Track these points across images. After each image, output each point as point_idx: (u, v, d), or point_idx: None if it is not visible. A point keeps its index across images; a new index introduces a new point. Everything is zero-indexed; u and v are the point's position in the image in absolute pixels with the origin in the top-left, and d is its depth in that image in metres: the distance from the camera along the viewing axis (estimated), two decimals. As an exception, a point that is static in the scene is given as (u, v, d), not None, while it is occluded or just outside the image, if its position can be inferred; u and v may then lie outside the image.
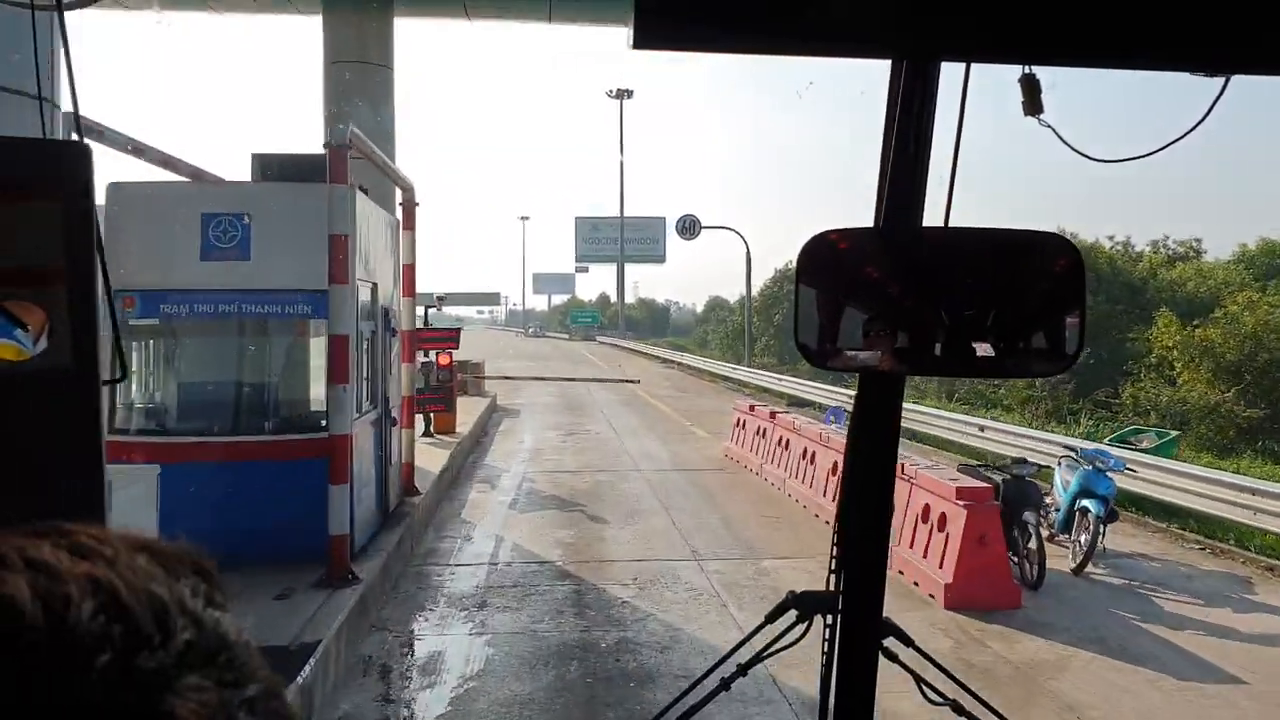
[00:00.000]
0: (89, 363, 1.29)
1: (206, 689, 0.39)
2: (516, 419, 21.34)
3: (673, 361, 46.05)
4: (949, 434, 16.13)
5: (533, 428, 19.67)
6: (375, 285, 8.26)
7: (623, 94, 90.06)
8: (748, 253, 35.73)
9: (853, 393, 1.49)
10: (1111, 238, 31.42)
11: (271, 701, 0.42)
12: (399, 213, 9.89)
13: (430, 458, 12.73)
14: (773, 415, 13.60)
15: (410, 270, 9.97)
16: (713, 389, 31.75)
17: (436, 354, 14.89)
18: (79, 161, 1.30)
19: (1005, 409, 24.87)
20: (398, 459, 9.46)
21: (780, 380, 25.67)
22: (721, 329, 54.29)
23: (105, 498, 1.40)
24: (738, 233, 36.82)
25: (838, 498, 1.47)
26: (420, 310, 15.43)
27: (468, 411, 18.77)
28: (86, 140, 1.52)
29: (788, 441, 12.66)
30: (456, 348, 15.13)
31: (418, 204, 10.06)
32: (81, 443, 1.31)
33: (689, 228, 36.11)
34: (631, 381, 19.49)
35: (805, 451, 11.86)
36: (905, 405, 1.59)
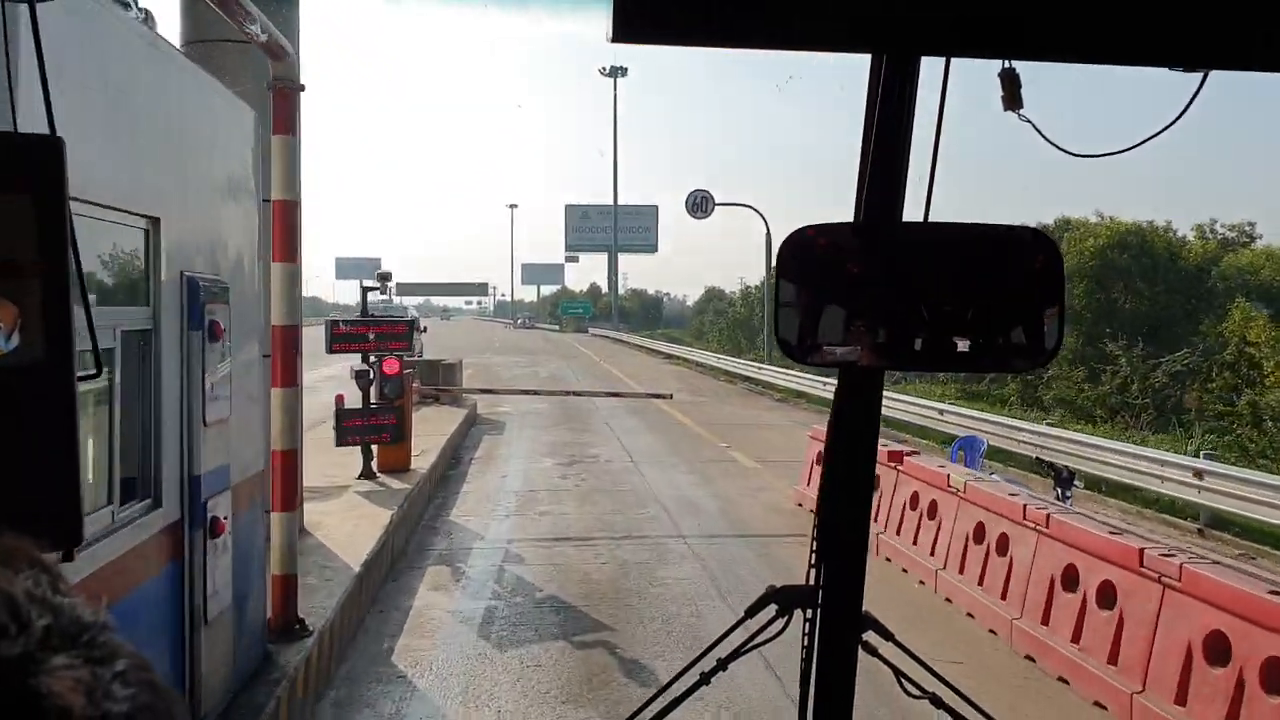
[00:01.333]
0: (63, 359, 1.25)
1: (76, 666, 0.39)
2: (500, 436, 16.64)
3: (677, 357, 41.40)
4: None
5: (521, 451, 14.96)
6: (157, 223, 3.60)
7: (616, 72, 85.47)
8: (768, 231, 31.12)
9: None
10: (1150, 222, 27.18)
11: (143, 673, 0.42)
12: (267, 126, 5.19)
13: (357, 525, 8.03)
14: (895, 458, 8.93)
15: (286, 213, 5.25)
16: (730, 390, 27.12)
17: (379, 358, 10.22)
18: (51, 155, 1.25)
19: (1089, 419, 20.38)
20: (257, 579, 4.79)
21: (826, 384, 21.00)
22: (721, 321, 50.14)
23: (79, 495, 1.22)
24: (755, 209, 32.23)
25: (819, 491, 1.45)
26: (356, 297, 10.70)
27: (435, 428, 14.09)
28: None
29: (931, 505, 8.04)
30: (408, 348, 10.44)
31: (303, 88, 5.34)
32: (55, 439, 1.25)
33: (700, 205, 31.48)
34: (663, 396, 14.76)
35: (980, 531, 7.22)
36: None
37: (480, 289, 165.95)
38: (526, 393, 16.72)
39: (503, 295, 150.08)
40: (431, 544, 8.87)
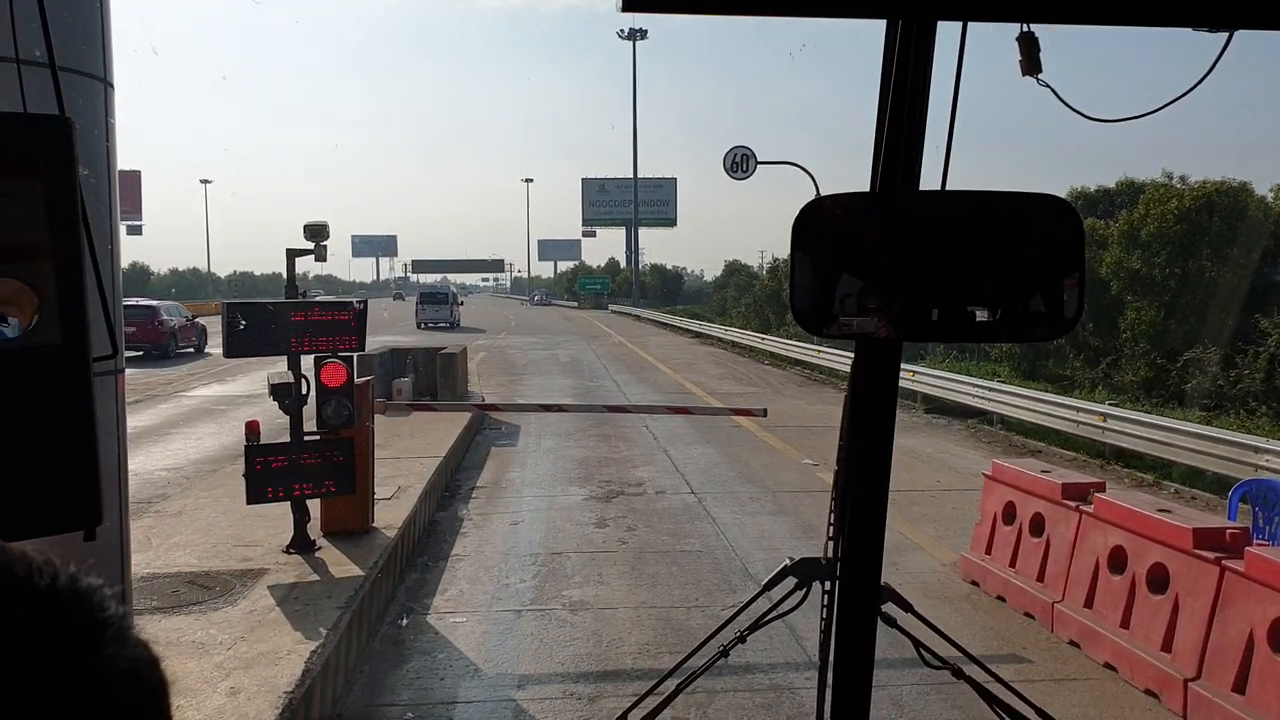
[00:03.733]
0: (79, 340, 1.22)
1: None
2: (512, 449, 12.86)
3: (709, 336, 37.46)
4: None
5: (541, 474, 11.16)
6: None
7: (635, 34, 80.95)
8: (817, 192, 26.96)
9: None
10: (1224, 180, 22.83)
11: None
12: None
13: (236, 690, 4.27)
14: (1073, 493, 5.09)
15: None
16: (782, 378, 23.23)
17: (317, 363, 6.42)
18: (61, 134, 1.23)
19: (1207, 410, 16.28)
20: None
21: (914, 374, 17.07)
22: (747, 296, 46.55)
23: (98, 476, 1.20)
24: (803, 168, 28.17)
25: (837, 465, 1.43)
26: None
27: (424, 445, 10.31)
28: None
29: (1155, 570, 4.25)
30: (359, 347, 6.60)
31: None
32: (73, 422, 1.22)
33: (740, 163, 27.41)
34: (753, 413, 10.93)
35: None
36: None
37: (496, 266, 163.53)
38: (549, 409, 12.83)
39: (519, 272, 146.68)
40: (387, 693, 5.10)
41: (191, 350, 27.71)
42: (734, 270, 62.47)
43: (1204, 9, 0.98)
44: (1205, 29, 1.04)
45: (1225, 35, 1.11)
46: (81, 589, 0.54)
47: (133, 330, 22.78)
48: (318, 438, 6.53)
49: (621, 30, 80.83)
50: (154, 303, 28.38)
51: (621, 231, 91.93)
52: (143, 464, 10.80)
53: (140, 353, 24.78)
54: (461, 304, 53.46)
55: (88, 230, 1.29)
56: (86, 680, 0.51)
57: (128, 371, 4.08)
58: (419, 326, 45.05)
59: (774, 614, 1.55)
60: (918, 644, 1.47)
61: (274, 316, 6.32)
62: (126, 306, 28.49)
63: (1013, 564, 6.63)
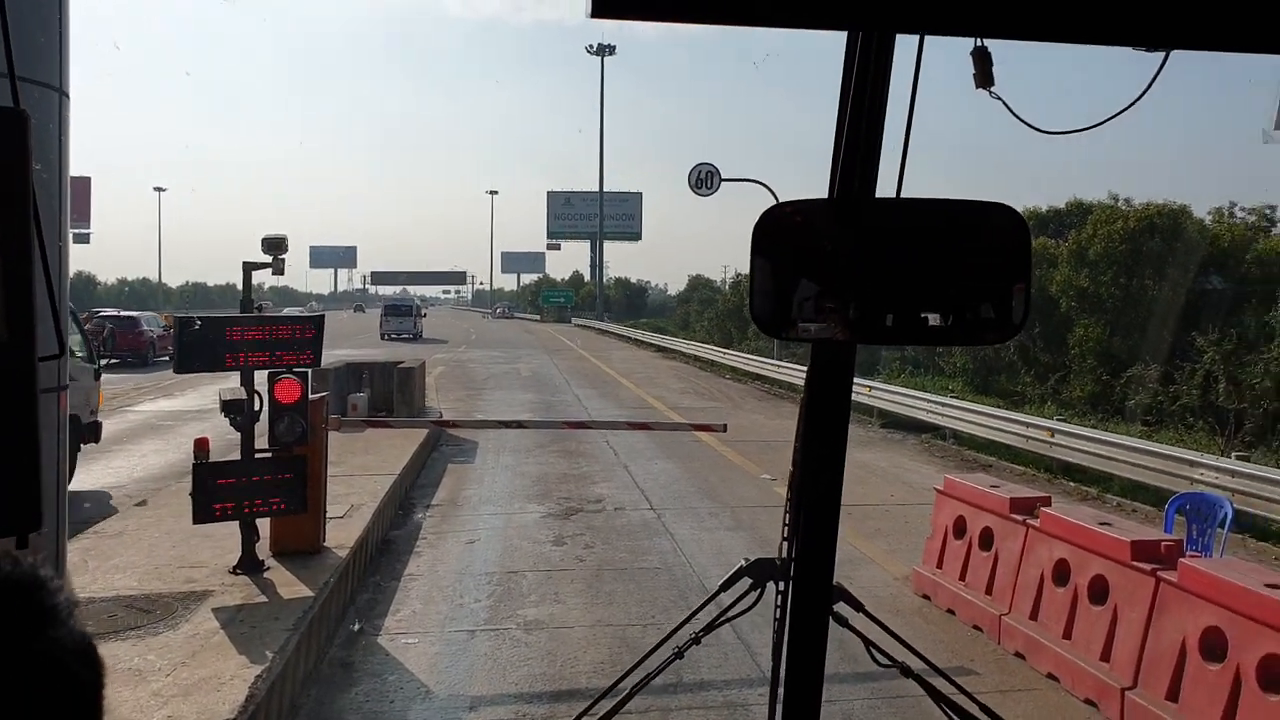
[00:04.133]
0: (25, 336, 1.14)
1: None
2: (469, 465, 12.80)
3: (672, 351, 37.60)
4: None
5: (498, 491, 11.12)
6: None
7: (604, 50, 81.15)
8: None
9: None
10: (1165, 203, 23.62)
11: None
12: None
13: (175, 715, 4.21)
14: (1020, 507, 5.21)
15: None
16: (743, 393, 23.39)
17: (270, 378, 6.37)
18: (15, 128, 1.16)
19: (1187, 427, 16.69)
20: None
21: (870, 390, 17.29)
22: (710, 311, 46.89)
23: (39, 480, 1.12)
24: (764, 184, 28.39)
25: (792, 467, 1.45)
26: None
27: (379, 462, 10.22)
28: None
29: (1095, 583, 4.34)
30: (315, 362, 6.56)
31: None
32: (15, 420, 1.14)
33: (705, 180, 27.55)
34: (713, 429, 10.95)
35: (1213, 639, 3.64)
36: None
37: (458, 278, 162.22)
38: (509, 425, 12.81)
39: (481, 284, 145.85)
40: (335, 718, 5.04)
41: (167, 358, 28.00)
42: (697, 285, 62.83)
43: (1141, 30, 1.03)
44: (1144, 49, 1.10)
45: (1162, 55, 1.16)
46: (33, 577, 0.61)
47: (115, 339, 25.70)
48: (269, 455, 6.47)
49: (590, 45, 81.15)
50: (136, 314, 31.82)
51: (586, 245, 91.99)
52: (82, 482, 10.58)
53: (118, 360, 26.27)
54: (424, 315, 55.42)
55: (39, 226, 1.26)
56: (32, 662, 0.59)
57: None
58: (383, 338, 45.88)
59: (729, 614, 1.55)
60: (869, 644, 1.50)
61: (228, 330, 6.27)
62: (111, 317, 28.99)
63: (963, 577, 6.75)
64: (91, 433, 11.15)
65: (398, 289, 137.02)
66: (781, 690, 1.45)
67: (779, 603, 1.49)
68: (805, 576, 1.40)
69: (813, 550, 1.40)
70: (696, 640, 1.56)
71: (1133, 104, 1.34)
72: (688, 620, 1.56)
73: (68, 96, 3.93)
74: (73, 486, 4.68)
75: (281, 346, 6.49)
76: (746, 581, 1.54)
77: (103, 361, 14.18)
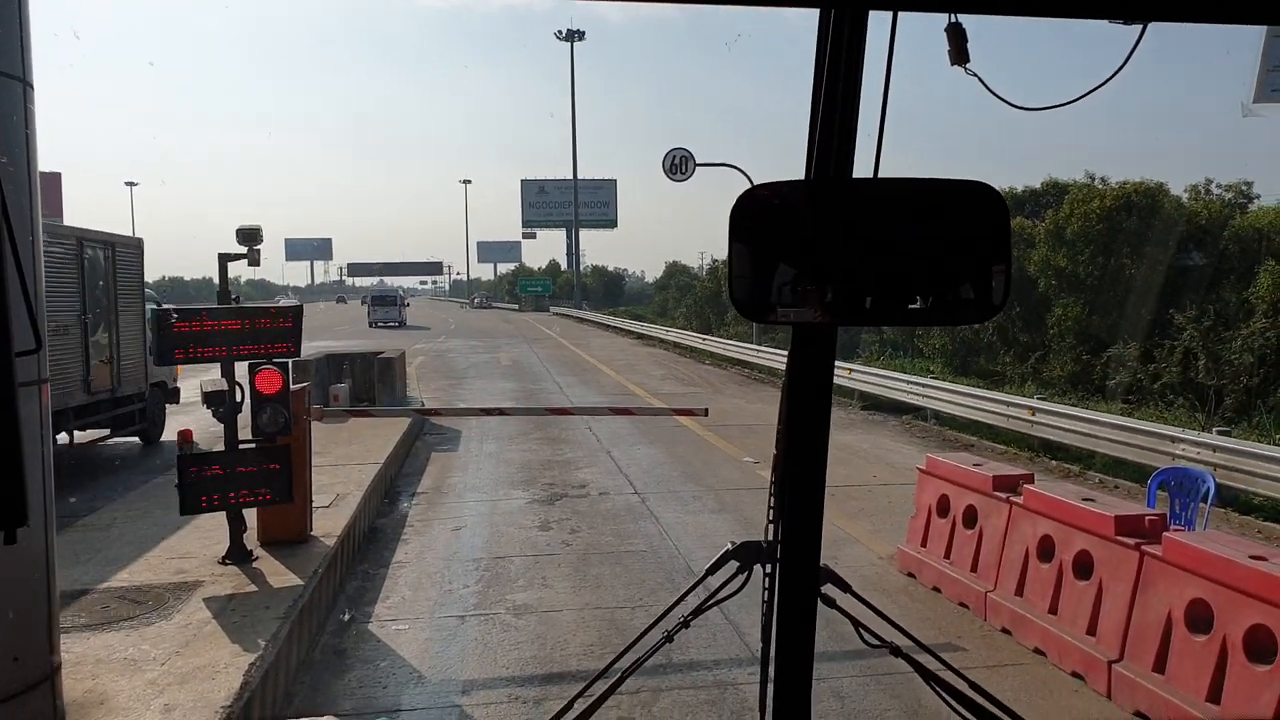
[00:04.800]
0: (0, 331, 1.14)
1: None
2: (453, 453, 12.76)
3: (651, 338, 37.60)
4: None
5: (483, 479, 11.10)
6: None
7: (573, 35, 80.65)
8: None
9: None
10: (1143, 181, 23.90)
11: None
12: None
13: (172, 705, 4.18)
14: (1003, 484, 5.26)
15: None
16: (723, 378, 23.44)
17: (252, 369, 6.31)
18: None
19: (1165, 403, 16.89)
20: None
21: (851, 372, 17.38)
22: (688, 297, 46.93)
23: (22, 475, 1.14)
24: (739, 169, 28.40)
25: (776, 449, 1.44)
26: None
27: (363, 452, 10.15)
28: None
29: (1079, 558, 4.39)
30: (295, 353, 6.51)
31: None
32: None
33: (679, 165, 27.56)
34: (694, 413, 10.90)
35: (1197, 611, 3.71)
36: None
37: (435, 268, 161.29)
38: (490, 413, 12.78)
39: (458, 274, 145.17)
40: (329, 704, 5.02)
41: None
42: (675, 271, 62.76)
43: (1117, 3, 1.02)
44: (1120, 21, 1.08)
45: (1139, 29, 1.15)
46: None
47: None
48: (253, 446, 6.42)
49: (559, 31, 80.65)
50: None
51: (562, 233, 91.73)
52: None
53: None
54: (408, 305, 60.48)
55: (8, 220, 1.26)
56: None
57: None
58: (371, 325, 49.76)
59: (717, 598, 1.55)
60: (857, 624, 1.49)
61: (207, 322, 6.19)
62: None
63: (947, 555, 6.81)
64: (173, 396, 13.98)
65: (375, 280, 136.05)
66: (772, 670, 1.45)
67: (766, 585, 1.50)
68: (792, 559, 1.40)
69: (798, 532, 1.40)
70: (685, 624, 1.56)
71: (1110, 78, 1.32)
72: (676, 604, 1.56)
73: (31, 86, 3.86)
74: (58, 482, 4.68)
75: (261, 337, 6.43)
76: (733, 565, 1.54)
77: None
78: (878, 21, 1.18)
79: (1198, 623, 4.51)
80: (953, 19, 1.32)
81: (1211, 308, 18.21)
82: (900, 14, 1.21)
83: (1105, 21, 1.06)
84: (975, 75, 1.39)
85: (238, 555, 6.43)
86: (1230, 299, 19.07)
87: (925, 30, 1.32)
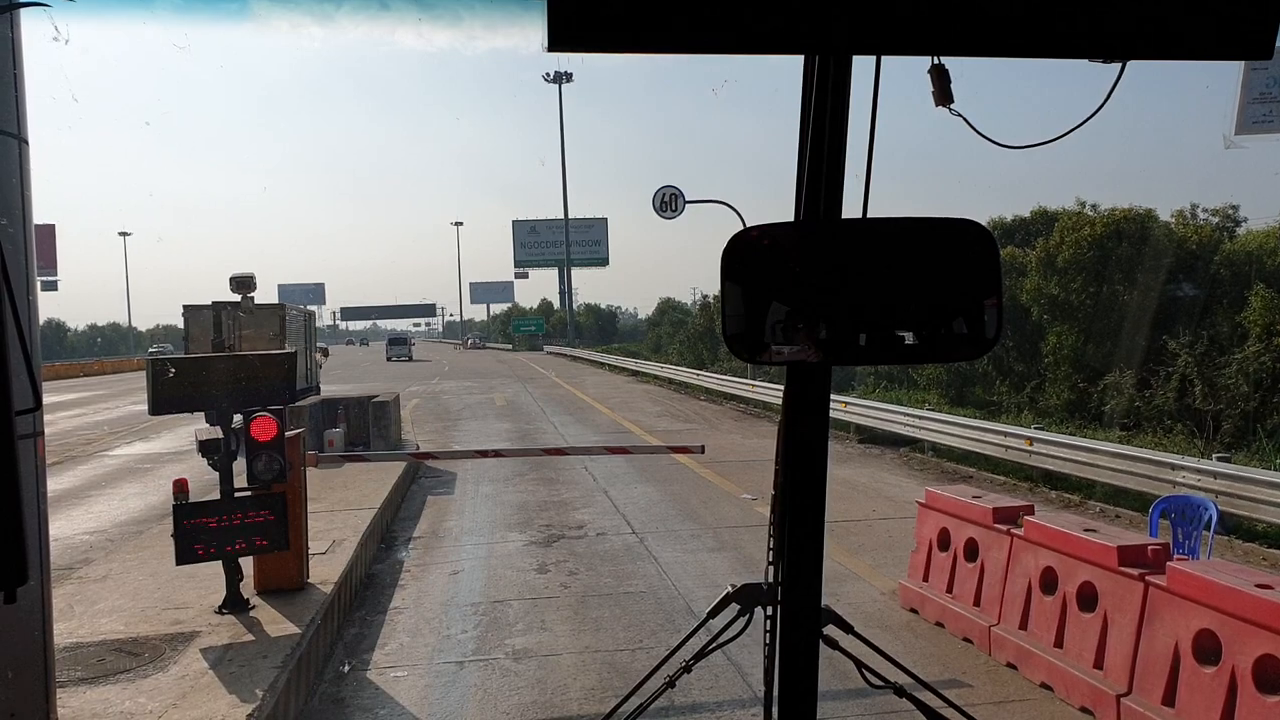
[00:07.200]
0: (0, 395, 1.14)
1: None
2: (449, 497, 12.68)
3: (646, 375, 37.60)
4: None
5: (480, 522, 11.01)
6: None
7: (560, 77, 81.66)
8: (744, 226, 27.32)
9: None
10: (1131, 207, 24.14)
11: None
12: None
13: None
14: (1003, 516, 5.24)
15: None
16: (719, 413, 23.40)
17: (246, 417, 6.28)
18: None
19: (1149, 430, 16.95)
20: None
21: (846, 405, 17.38)
22: (681, 333, 47.16)
23: (23, 533, 1.13)
24: (730, 205, 28.55)
25: (774, 490, 1.46)
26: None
27: (358, 497, 10.07)
28: None
29: (1083, 589, 4.36)
30: (290, 399, 6.49)
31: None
32: None
33: (669, 203, 27.69)
34: (691, 450, 10.88)
35: (1205, 641, 3.71)
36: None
37: (428, 310, 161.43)
38: (486, 454, 12.71)
39: (452, 316, 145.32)
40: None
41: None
42: (667, 308, 63.04)
43: (1096, 42, 1.05)
44: (1100, 61, 1.10)
45: (1119, 67, 1.18)
46: None
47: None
48: (249, 494, 6.36)
49: (547, 74, 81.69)
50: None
51: (554, 272, 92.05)
52: (63, 529, 10.36)
53: None
54: (414, 344, 77.28)
55: (7, 279, 1.26)
56: None
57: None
58: (389, 360, 64.07)
59: (719, 641, 1.54)
60: (860, 665, 1.48)
61: (202, 371, 6.17)
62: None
63: (949, 589, 6.76)
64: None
65: (368, 324, 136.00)
66: (775, 712, 1.44)
67: (768, 627, 1.48)
68: (793, 601, 1.39)
69: (799, 574, 1.39)
70: (687, 669, 1.55)
71: (1092, 115, 1.35)
72: (678, 649, 1.55)
73: (26, 143, 3.88)
74: (53, 533, 4.58)
75: (253, 385, 6.40)
76: (734, 607, 1.52)
77: None
78: (862, 65, 1.20)
79: (1206, 654, 4.47)
80: (936, 61, 1.33)
81: (1205, 333, 18.29)
82: (884, 58, 1.22)
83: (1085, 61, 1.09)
84: (960, 115, 1.41)
85: (234, 604, 6.35)
86: (1223, 324, 19.20)
87: (907, 71, 1.36)
